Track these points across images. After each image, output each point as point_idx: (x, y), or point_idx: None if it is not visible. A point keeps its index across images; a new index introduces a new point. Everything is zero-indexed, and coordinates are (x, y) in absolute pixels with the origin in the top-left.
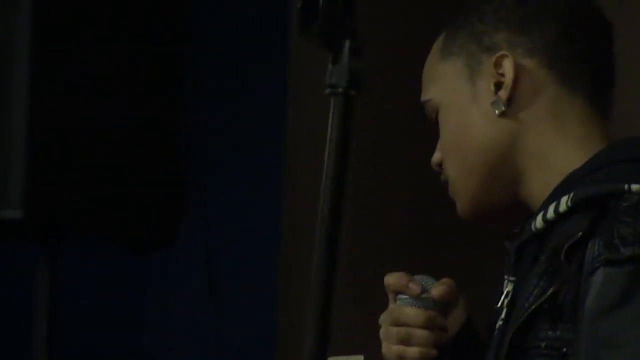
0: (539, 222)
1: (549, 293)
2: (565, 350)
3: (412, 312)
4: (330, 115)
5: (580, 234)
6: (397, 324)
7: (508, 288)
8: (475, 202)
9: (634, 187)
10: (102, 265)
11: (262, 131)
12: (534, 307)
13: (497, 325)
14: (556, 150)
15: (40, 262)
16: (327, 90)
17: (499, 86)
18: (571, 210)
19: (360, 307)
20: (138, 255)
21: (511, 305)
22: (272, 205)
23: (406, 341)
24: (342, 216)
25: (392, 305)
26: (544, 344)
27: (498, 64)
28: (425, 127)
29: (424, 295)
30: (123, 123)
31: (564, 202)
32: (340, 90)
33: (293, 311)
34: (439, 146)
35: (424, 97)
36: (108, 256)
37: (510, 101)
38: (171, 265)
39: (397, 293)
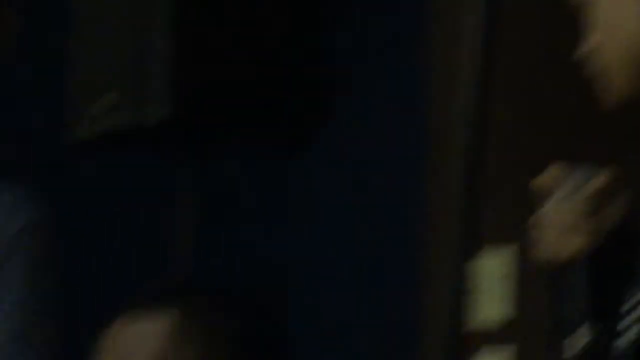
0: None
1: None
2: None
3: (568, 209)
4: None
5: None
6: (553, 220)
7: None
8: (633, 89)
9: None
10: (245, 166)
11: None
12: None
13: None
14: None
15: (184, 163)
16: None
17: None
18: None
19: (510, 201)
20: (281, 157)
21: None
22: (415, 102)
23: (563, 237)
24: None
25: (547, 202)
26: None
27: None
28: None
29: (580, 191)
30: (268, 22)
31: None
32: None
33: (439, 203)
34: (591, 31)
35: None
36: (252, 158)
37: None
38: (315, 167)
39: (552, 189)
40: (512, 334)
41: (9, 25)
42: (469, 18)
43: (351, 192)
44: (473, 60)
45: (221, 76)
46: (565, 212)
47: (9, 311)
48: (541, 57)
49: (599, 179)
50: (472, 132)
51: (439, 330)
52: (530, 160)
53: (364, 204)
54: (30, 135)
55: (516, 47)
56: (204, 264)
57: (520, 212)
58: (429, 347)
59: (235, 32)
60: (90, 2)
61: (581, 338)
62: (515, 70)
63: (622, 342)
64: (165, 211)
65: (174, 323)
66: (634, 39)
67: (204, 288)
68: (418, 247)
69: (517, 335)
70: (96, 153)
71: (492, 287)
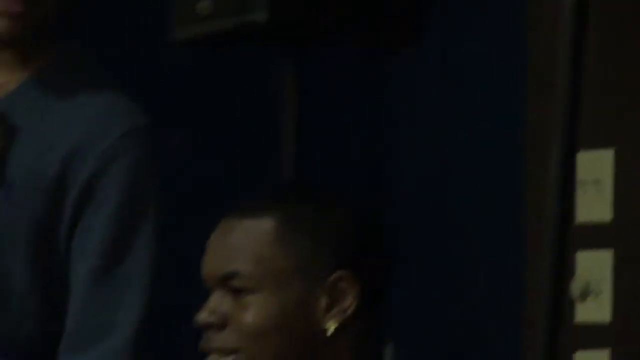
0: None
1: None
2: None
3: None
4: None
5: None
6: None
7: None
8: None
9: None
10: (346, 68)
11: None
12: None
13: None
14: None
15: (285, 66)
16: None
17: None
18: None
19: (611, 97)
20: (381, 57)
21: None
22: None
23: None
24: None
25: None
26: None
27: None
28: None
29: None
30: None
31: None
32: None
33: (541, 110)
34: None
35: None
36: (353, 60)
37: None
38: (415, 66)
39: None
40: (614, 234)
41: None
42: None
43: (454, 94)
44: None
45: None
46: None
47: (109, 214)
48: None
49: None
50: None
51: (543, 226)
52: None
53: (466, 102)
54: (135, 36)
55: None
56: (309, 162)
57: (620, 116)
58: (534, 242)
59: None
60: None
61: None
62: None
63: None
64: (268, 110)
65: (278, 222)
66: None
67: (308, 186)
68: (520, 150)
69: (618, 236)
70: (200, 54)
71: (593, 188)
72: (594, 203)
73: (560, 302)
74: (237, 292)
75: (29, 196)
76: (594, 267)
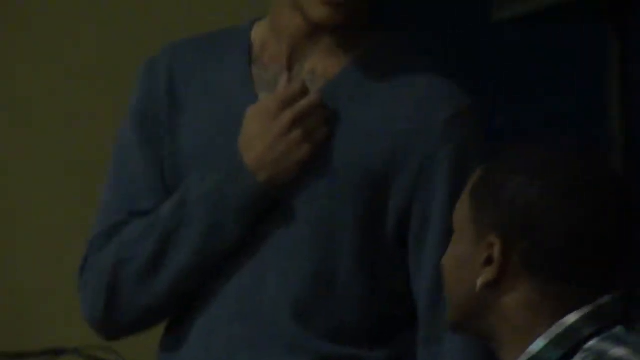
0: None
1: None
2: None
3: None
4: None
5: None
6: None
7: None
8: None
9: None
10: None
11: None
12: None
13: None
14: None
15: (609, 37)
16: None
17: None
18: None
19: None
20: None
21: None
22: None
23: None
24: None
25: None
26: None
27: None
28: None
29: None
30: None
31: None
32: None
33: None
34: None
35: None
36: None
37: None
38: None
39: None
40: None
41: None
42: None
43: None
44: None
45: None
46: None
47: (443, 201)
48: None
49: None
50: None
51: None
52: None
53: None
54: (456, 19)
55: None
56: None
57: None
58: None
59: None
60: None
61: None
62: None
63: None
64: (593, 84)
65: (480, 173)
66: None
67: (539, 151)
68: None
69: None
70: (521, 32)
71: None
72: None
73: None
74: None
75: (355, 185)
76: None
